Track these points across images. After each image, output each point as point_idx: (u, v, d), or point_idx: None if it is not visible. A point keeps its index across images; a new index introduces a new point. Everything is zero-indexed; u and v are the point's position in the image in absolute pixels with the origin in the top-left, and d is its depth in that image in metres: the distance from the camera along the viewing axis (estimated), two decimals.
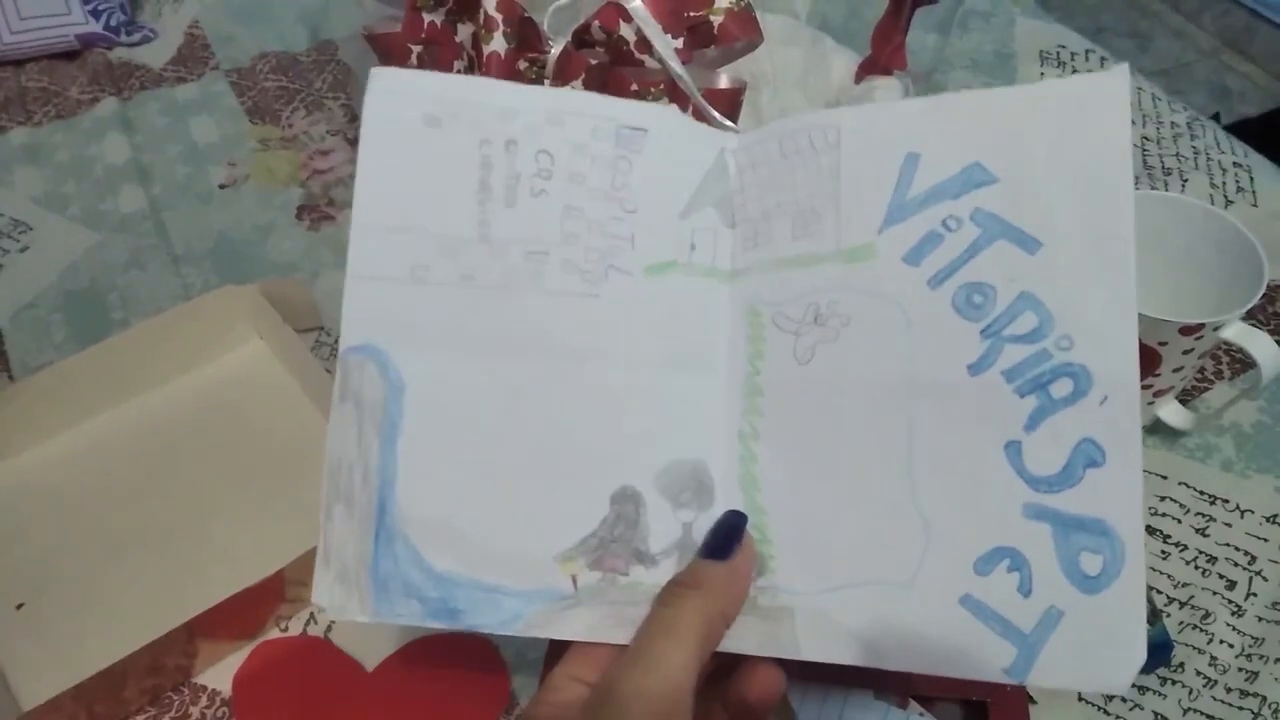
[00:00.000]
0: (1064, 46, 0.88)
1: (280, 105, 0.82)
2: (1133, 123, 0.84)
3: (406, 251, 0.33)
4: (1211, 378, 0.66)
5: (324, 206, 0.74)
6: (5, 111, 0.81)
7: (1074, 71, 0.86)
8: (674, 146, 0.35)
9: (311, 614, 0.53)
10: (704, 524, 0.34)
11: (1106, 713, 0.51)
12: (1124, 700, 0.51)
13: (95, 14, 0.85)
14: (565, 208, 0.34)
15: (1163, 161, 0.78)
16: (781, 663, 0.45)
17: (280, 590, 0.51)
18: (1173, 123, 0.82)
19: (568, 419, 0.34)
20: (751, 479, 0.35)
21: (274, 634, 0.52)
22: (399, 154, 0.33)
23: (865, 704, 0.44)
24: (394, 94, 0.33)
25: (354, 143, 0.78)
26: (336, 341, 0.64)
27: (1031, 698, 0.50)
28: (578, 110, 0.34)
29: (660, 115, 0.35)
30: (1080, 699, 0.51)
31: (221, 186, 0.75)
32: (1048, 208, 0.32)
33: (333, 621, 0.53)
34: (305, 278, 0.69)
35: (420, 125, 0.33)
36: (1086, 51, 0.88)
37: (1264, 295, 0.69)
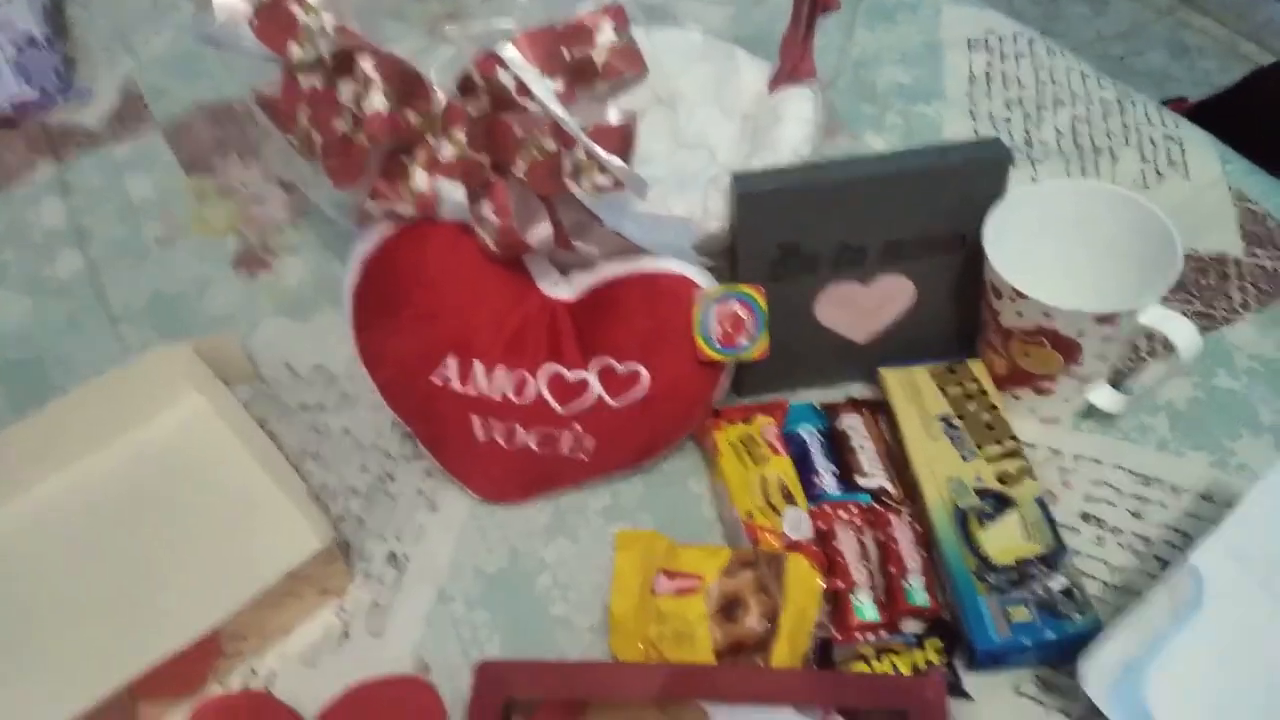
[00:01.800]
0: (992, 31, 0.88)
1: (215, 156, 0.82)
2: (1061, 103, 0.84)
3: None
4: (1145, 355, 0.66)
5: (261, 254, 0.75)
6: None
7: (1002, 57, 0.86)
8: None
9: (252, 667, 0.54)
10: None
11: (1043, 704, 0.51)
12: (1062, 693, 0.51)
13: (29, 80, 0.86)
14: None
15: (1093, 140, 0.78)
16: (700, 684, 0.46)
17: (218, 646, 0.52)
18: (1102, 99, 0.82)
19: None
20: None
21: (214, 690, 0.53)
22: None
23: (789, 719, 0.45)
24: None
25: (287, 188, 0.79)
26: (277, 393, 0.65)
27: (968, 694, 0.51)
28: None
29: None
30: (1018, 692, 0.51)
31: (158, 242, 0.76)
32: None
33: (274, 674, 0.54)
34: (242, 329, 0.69)
35: None
36: (1014, 35, 0.88)
37: (1196, 268, 0.70)
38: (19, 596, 0.56)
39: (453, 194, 0.53)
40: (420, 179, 0.51)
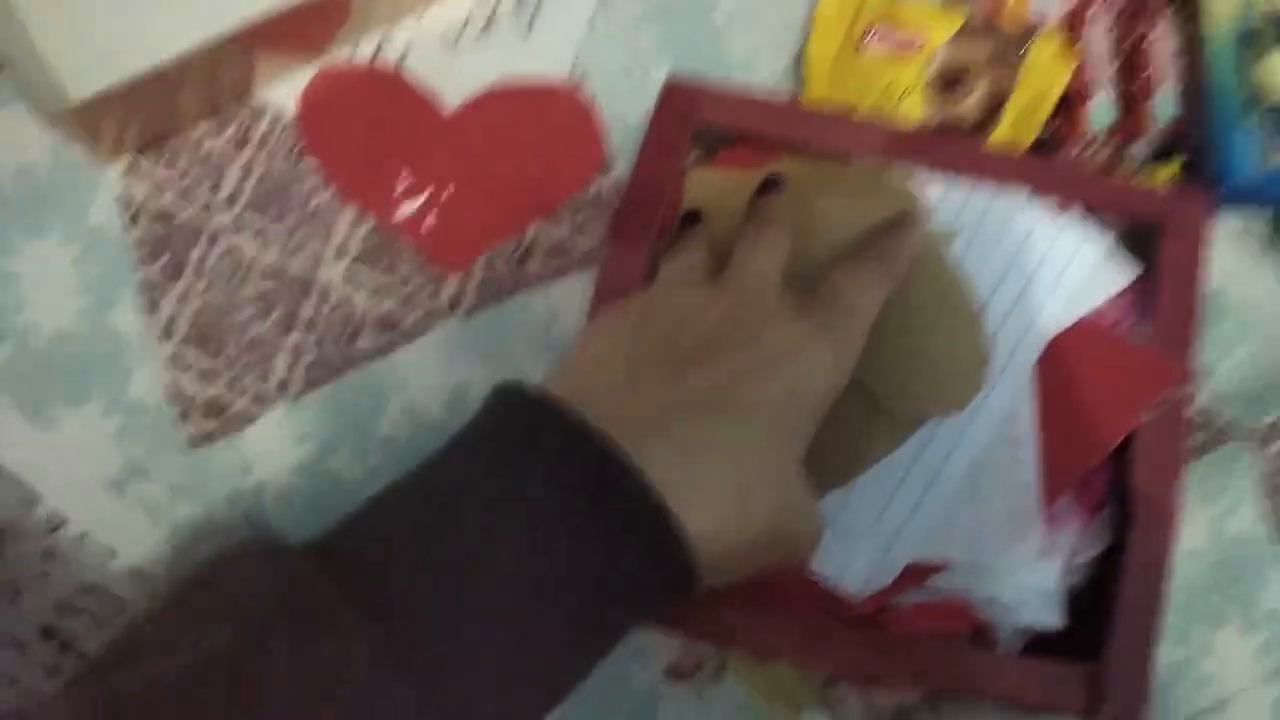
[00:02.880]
0: None
1: None
2: None
3: None
4: None
5: None
6: None
7: None
8: None
9: (381, 42, 0.46)
10: None
11: (1270, 252, 0.45)
12: None
13: None
14: None
15: None
16: (928, 150, 0.39)
17: (346, 5, 0.43)
18: None
19: None
20: None
21: (341, 56, 0.46)
22: None
23: (1016, 205, 0.39)
24: None
25: None
26: None
27: None
28: None
29: None
30: (1246, 231, 0.45)
31: None
32: None
33: (408, 50, 0.46)
34: None
35: None
36: None
37: None
38: None
39: None
40: None
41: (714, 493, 0.26)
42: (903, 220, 0.36)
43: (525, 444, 0.25)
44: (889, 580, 0.35)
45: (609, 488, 0.24)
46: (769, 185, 0.36)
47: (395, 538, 0.23)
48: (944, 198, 0.39)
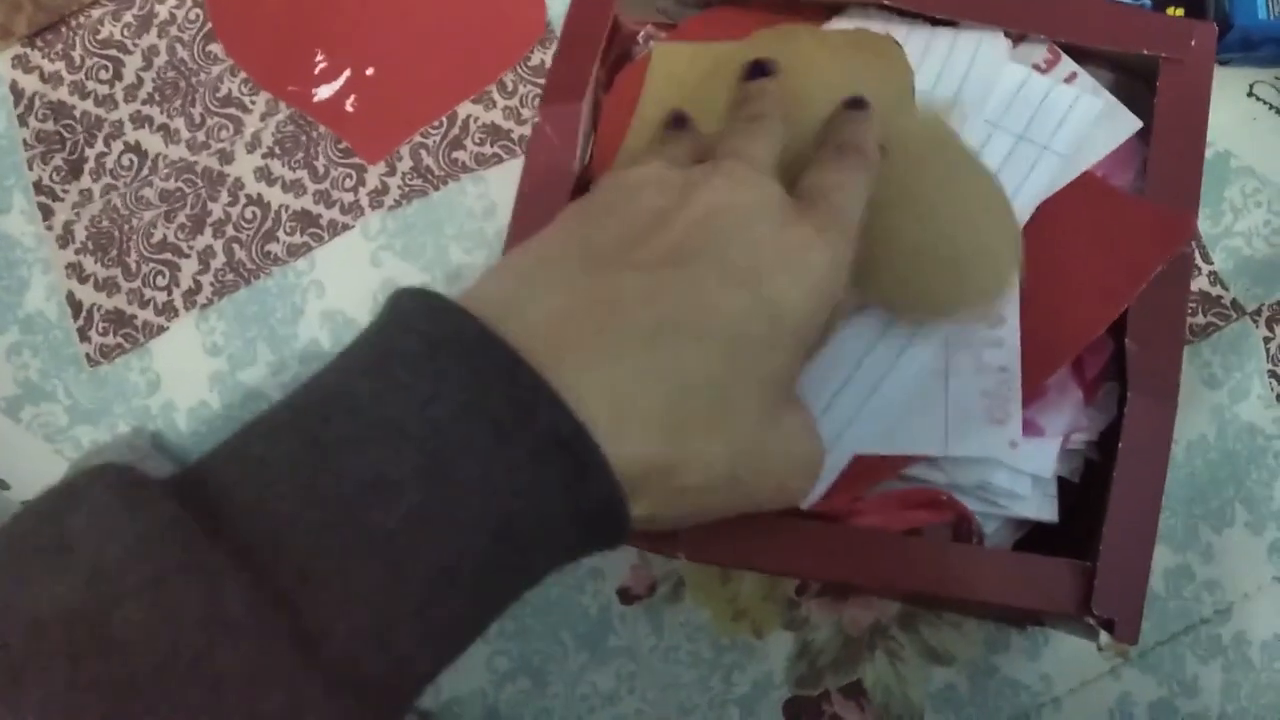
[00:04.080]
0: None
1: None
2: None
3: None
4: None
5: None
6: None
7: None
8: None
9: None
10: None
11: (1274, 109, 0.41)
12: None
13: None
14: None
15: None
16: None
17: None
18: None
19: None
20: None
21: None
22: None
23: (1003, 54, 0.34)
24: None
25: None
26: None
27: None
28: None
29: None
30: (1251, 93, 0.41)
31: None
32: None
33: None
34: None
35: None
36: None
37: None
38: None
39: None
40: None
41: (649, 424, 0.22)
42: (852, 104, 0.31)
43: (423, 356, 0.21)
44: (833, 477, 0.31)
45: (519, 410, 0.21)
46: (758, 70, 0.31)
47: (274, 467, 0.20)
48: (925, 52, 0.35)
